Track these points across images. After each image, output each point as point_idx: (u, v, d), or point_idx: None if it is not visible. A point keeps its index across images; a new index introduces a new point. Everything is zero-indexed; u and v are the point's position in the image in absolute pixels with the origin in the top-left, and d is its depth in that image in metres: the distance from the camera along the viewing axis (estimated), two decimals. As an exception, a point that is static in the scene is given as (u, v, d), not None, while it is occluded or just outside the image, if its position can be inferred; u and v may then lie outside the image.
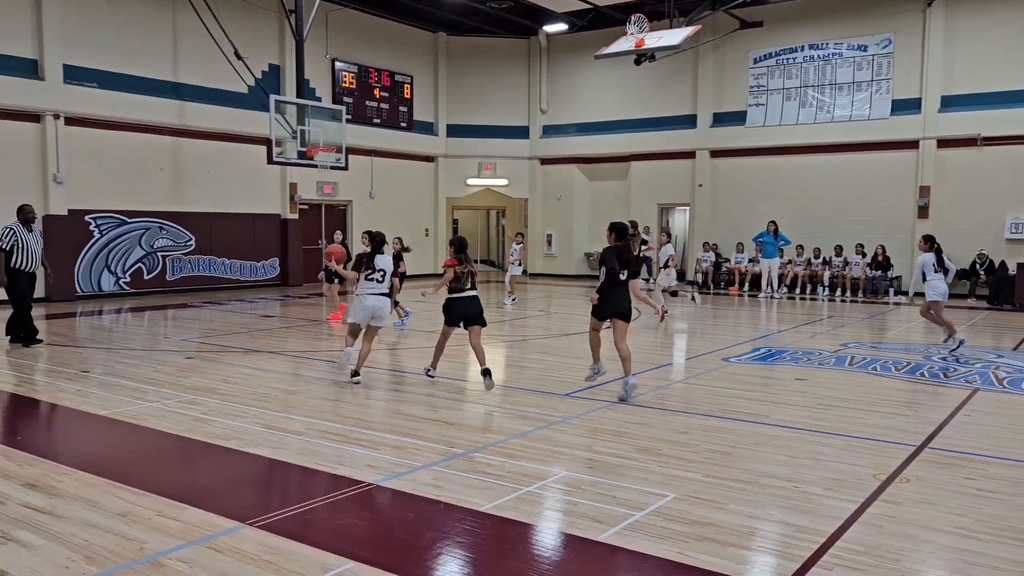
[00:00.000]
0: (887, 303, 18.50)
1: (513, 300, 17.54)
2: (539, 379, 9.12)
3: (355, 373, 8.67)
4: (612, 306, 8.03)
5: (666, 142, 23.70)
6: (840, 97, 21.01)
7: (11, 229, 10.83)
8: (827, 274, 20.16)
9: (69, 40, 16.92)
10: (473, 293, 8.61)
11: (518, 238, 18.62)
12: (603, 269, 8.07)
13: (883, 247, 19.80)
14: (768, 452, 6.07)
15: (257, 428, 6.69)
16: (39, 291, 15.76)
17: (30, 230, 11.01)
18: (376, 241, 8.88)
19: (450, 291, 8.54)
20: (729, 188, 22.89)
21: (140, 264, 18.53)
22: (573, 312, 15.91)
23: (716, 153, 23.04)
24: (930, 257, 10.97)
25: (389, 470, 5.52)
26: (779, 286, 19.88)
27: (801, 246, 20.77)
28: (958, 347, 10.70)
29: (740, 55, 22.44)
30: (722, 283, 21.78)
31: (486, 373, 8.18)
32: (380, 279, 8.69)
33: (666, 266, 15.58)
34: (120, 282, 18.17)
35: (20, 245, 10.84)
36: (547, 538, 4.48)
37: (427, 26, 25.13)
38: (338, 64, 22.74)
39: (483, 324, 8.58)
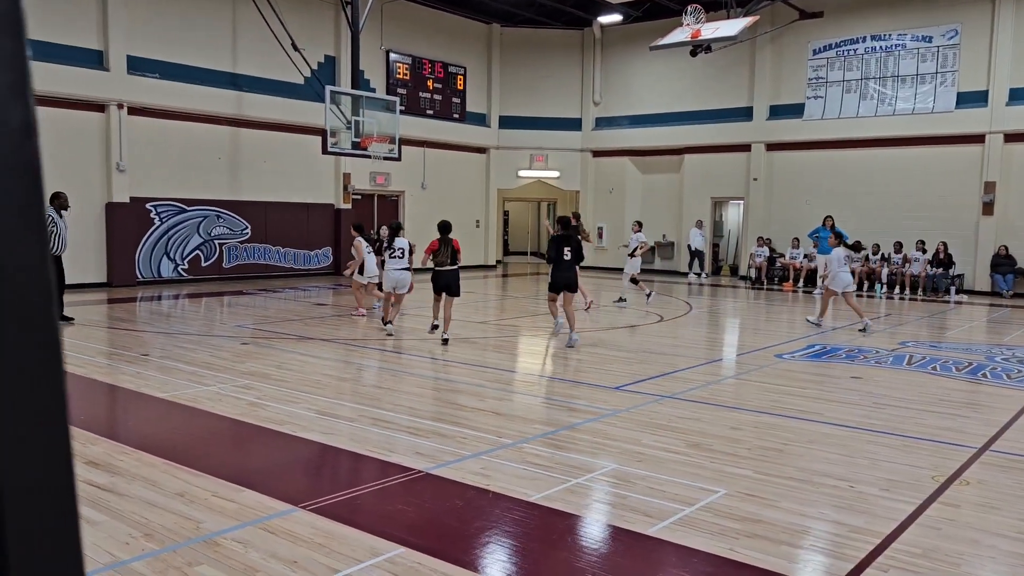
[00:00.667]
0: (947, 302, 17.99)
1: (648, 295, 16.19)
2: (588, 372, 9.09)
3: (387, 323, 11.38)
4: (560, 281, 10.61)
5: (721, 135, 23.35)
6: (903, 89, 20.44)
7: (50, 216, 11.26)
8: (885, 271, 19.67)
9: (133, 32, 17.36)
10: (453, 268, 10.63)
11: (635, 227, 16.58)
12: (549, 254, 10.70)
13: (945, 244, 19.22)
14: (822, 450, 5.96)
15: (309, 414, 6.80)
16: (99, 275, 16.21)
17: (61, 216, 11.54)
18: (392, 228, 11.88)
19: (435, 265, 10.67)
20: (785, 182, 22.47)
21: (198, 251, 18.96)
22: (624, 305, 15.80)
23: (772, 146, 22.62)
24: (841, 251, 12.49)
25: (438, 458, 5.57)
26: (835, 283, 19.43)
27: (859, 242, 20.22)
28: (864, 329, 12.34)
29: (799, 46, 21.97)
30: (776, 278, 21.41)
31: (445, 341, 10.59)
32: (400, 256, 11.25)
33: (632, 254, 15.86)
34: (179, 268, 18.62)
35: (57, 231, 11.34)
36: (595, 530, 4.46)
37: (481, 17, 25.15)
38: (392, 55, 22.91)
39: (456, 295, 10.75)
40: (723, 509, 4.65)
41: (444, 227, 10.84)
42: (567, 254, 10.54)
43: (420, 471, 5.27)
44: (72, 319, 12.08)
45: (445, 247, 10.65)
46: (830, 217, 19.16)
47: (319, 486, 5.18)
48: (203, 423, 6.57)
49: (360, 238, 13.01)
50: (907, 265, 19.48)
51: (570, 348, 10.45)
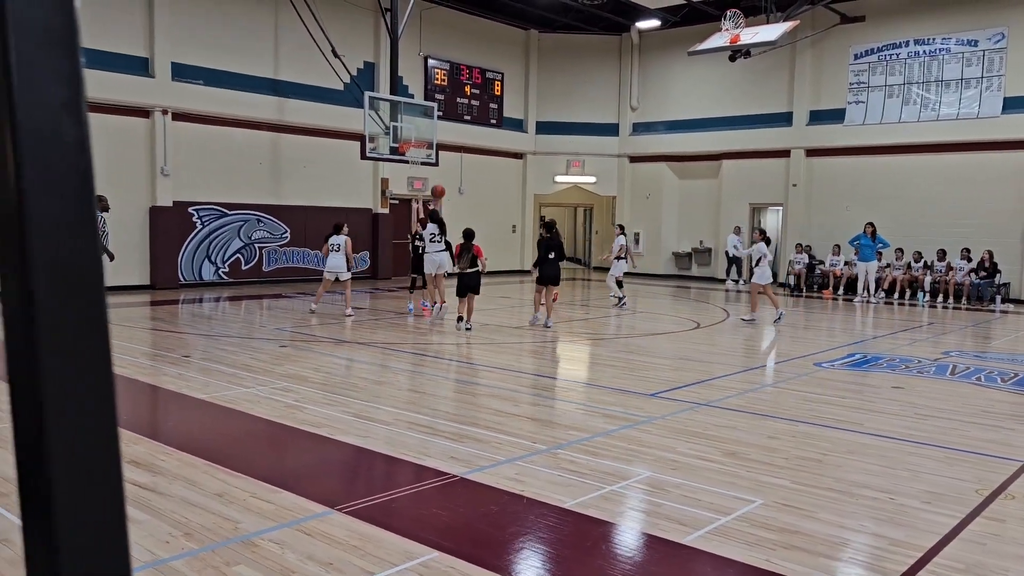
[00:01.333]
0: (993, 311, 17.58)
1: (620, 300, 16.34)
2: (623, 378, 9.05)
3: (441, 309, 13.44)
4: (544, 276, 12.64)
5: (759, 140, 23.12)
6: (947, 95, 20.05)
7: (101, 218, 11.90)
8: (928, 279, 19.29)
9: (178, 39, 17.72)
10: (474, 271, 12.29)
11: (618, 230, 17.53)
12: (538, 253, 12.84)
13: (990, 252, 18.80)
14: (862, 461, 5.86)
15: (346, 416, 6.87)
16: (143, 278, 16.55)
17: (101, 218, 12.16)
18: (429, 216, 13.46)
19: (459, 270, 12.40)
20: (825, 188, 22.16)
21: (238, 255, 19.26)
22: (659, 312, 15.72)
23: (812, 152, 22.34)
24: (763, 246, 13.73)
25: (473, 463, 5.58)
26: (876, 290, 19.17)
27: (901, 249, 19.90)
28: (752, 320, 13.85)
29: (840, 51, 21.68)
30: (815, 286, 21.12)
31: (468, 328, 12.17)
32: (438, 239, 12.90)
33: (618, 257, 16.38)
34: (220, 272, 18.93)
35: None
36: (630, 538, 4.44)
37: (518, 23, 25.22)
38: (431, 61, 23.07)
39: (477, 293, 12.46)
40: (759, 519, 4.60)
41: (468, 235, 12.47)
42: (551, 255, 12.73)
43: (455, 475, 5.30)
44: None
45: (466, 252, 12.29)
46: (871, 224, 18.87)
47: (355, 489, 5.22)
48: (242, 424, 6.67)
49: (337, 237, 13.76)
50: (951, 273, 19.09)
51: (547, 328, 12.67)
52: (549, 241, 12.80)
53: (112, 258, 12.57)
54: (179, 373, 8.70)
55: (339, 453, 5.94)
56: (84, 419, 0.53)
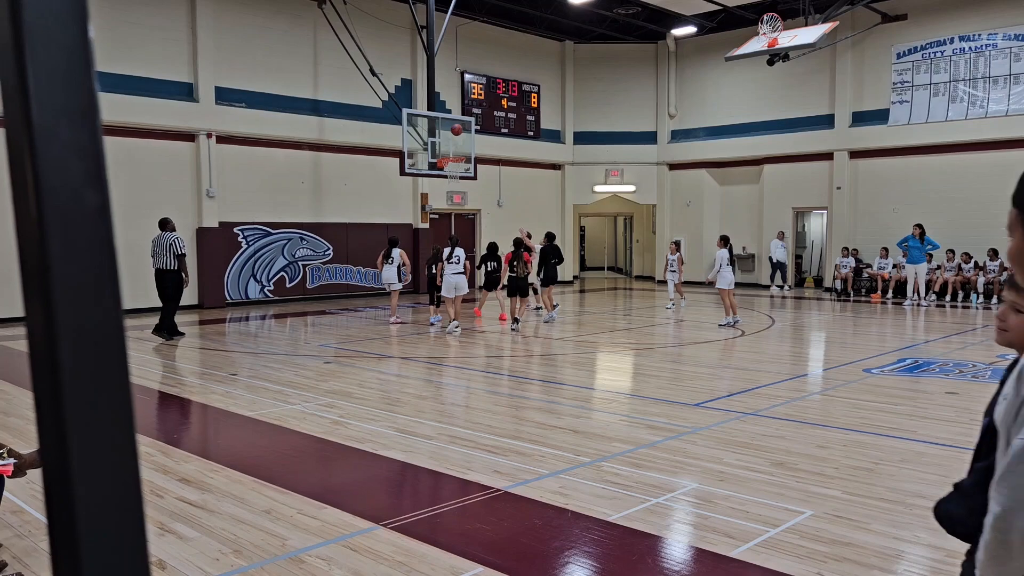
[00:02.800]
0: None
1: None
2: (667, 388, 8.96)
3: (456, 326, 13.66)
4: (547, 278, 15.08)
5: (801, 143, 22.79)
6: (995, 91, 19.56)
7: (180, 238, 12.98)
8: (981, 280, 18.79)
9: (220, 64, 18.12)
10: (524, 275, 14.10)
11: (672, 247, 18.45)
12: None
13: (1046, 251, 18.22)
14: (916, 470, 5.71)
15: (390, 432, 6.91)
16: (191, 298, 16.90)
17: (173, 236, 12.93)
18: (451, 240, 14.68)
19: (511, 272, 14.15)
20: (870, 190, 21.76)
21: (283, 273, 19.55)
22: (702, 320, 15.56)
23: (856, 154, 21.96)
24: (724, 253, 14.02)
25: (516, 476, 5.57)
26: (926, 293, 18.74)
27: (952, 250, 19.42)
28: (733, 324, 14.08)
29: (882, 50, 21.31)
30: (863, 290, 20.72)
31: (516, 320, 14.03)
32: (457, 262, 13.89)
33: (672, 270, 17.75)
34: (265, 290, 19.23)
35: (171, 250, 12.70)
36: (677, 551, 4.39)
37: (554, 35, 25.28)
38: (467, 76, 23.23)
39: (526, 295, 14.41)
40: (810, 531, 4.51)
41: (517, 243, 14.40)
42: (552, 260, 15.00)
43: (499, 489, 5.29)
44: (183, 333, 13.28)
45: (517, 259, 14.11)
46: (919, 225, 18.48)
47: (399, 504, 5.24)
48: (288, 441, 6.75)
49: None
50: (1004, 274, 18.56)
51: (547, 323, 14.83)
52: (548, 249, 15.12)
53: (187, 282, 13.07)
54: (227, 391, 8.84)
55: (383, 468, 5.97)
56: (109, 478, 0.55)
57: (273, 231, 19.27)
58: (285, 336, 13.94)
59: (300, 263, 19.86)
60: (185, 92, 17.67)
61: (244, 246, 18.78)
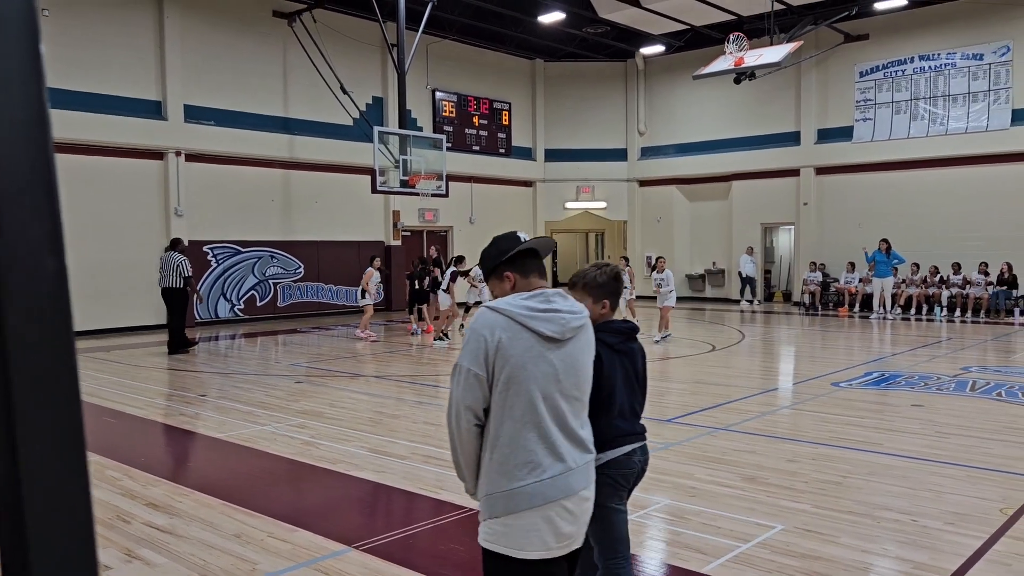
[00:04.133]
0: (1011, 323, 17.41)
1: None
2: (640, 404, 8.99)
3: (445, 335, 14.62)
4: None
5: (768, 160, 23.13)
6: (954, 109, 20.03)
7: (186, 260, 13.68)
8: (945, 294, 19.14)
9: (189, 81, 18.01)
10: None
11: (622, 262, 17.50)
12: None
13: (1009, 264, 18.65)
14: (883, 483, 5.79)
15: (362, 452, 6.86)
16: (159, 318, 16.91)
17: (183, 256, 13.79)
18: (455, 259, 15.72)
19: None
20: (836, 206, 22.12)
21: (253, 291, 19.39)
22: (674, 334, 15.65)
23: (821, 170, 22.33)
24: (670, 274, 14.58)
25: (490, 496, 5.55)
26: (892, 307, 19.05)
27: (916, 264, 19.78)
28: (662, 340, 14.36)
29: (845, 69, 21.74)
30: (831, 304, 21.01)
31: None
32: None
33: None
34: (235, 309, 19.04)
35: (178, 270, 13.56)
36: (650, 568, 4.40)
37: (524, 53, 25.47)
38: (438, 94, 23.30)
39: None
40: (780, 545, 4.55)
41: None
42: None
43: (473, 509, 5.27)
44: (196, 342, 14.19)
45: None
46: (886, 240, 18.80)
47: (372, 525, 5.21)
48: (258, 463, 6.68)
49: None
50: (968, 287, 18.94)
51: None
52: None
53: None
54: (196, 413, 8.73)
55: (356, 489, 5.93)
56: (64, 524, 0.56)
57: (243, 249, 19.11)
58: (255, 356, 13.81)
59: (271, 281, 19.71)
60: (153, 110, 17.53)
61: (214, 265, 18.60)
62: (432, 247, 18.63)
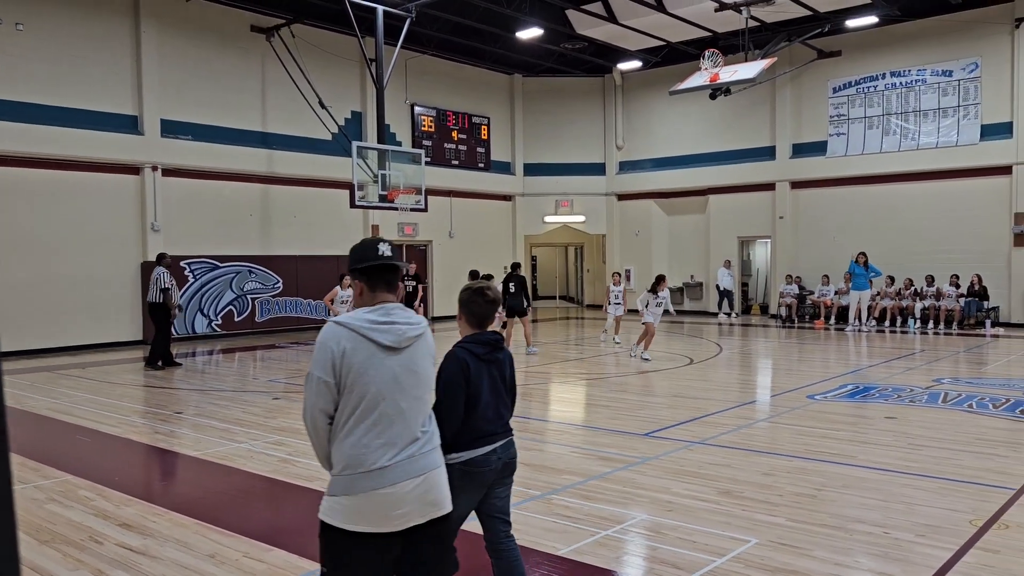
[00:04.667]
0: (983, 335, 17.66)
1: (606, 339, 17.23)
2: (617, 418, 9.04)
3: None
4: (510, 308, 14.91)
5: (744, 175, 23.39)
6: (925, 124, 20.38)
7: (165, 272, 13.57)
8: (919, 306, 19.40)
9: (166, 96, 17.93)
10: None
11: (616, 278, 17.36)
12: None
13: (979, 276, 18.96)
14: (857, 495, 5.86)
15: (339, 469, 6.82)
16: (135, 334, 16.63)
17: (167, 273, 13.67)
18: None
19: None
20: (811, 219, 22.38)
21: (231, 307, 19.26)
22: (653, 348, 15.73)
23: (797, 184, 22.60)
24: (649, 295, 14.12)
25: (467, 512, 5.55)
26: (867, 319, 19.27)
27: (891, 277, 20.06)
28: (633, 356, 14.23)
29: (819, 85, 22.06)
30: (807, 316, 21.22)
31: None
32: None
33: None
34: (212, 324, 18.91)
35: (162, 286, 13.46)
36: (625, 584, 4.42)
37: (503, 69, 25.60)
38: (417, 108, 23.36)
39: (525, 314, 15.09)
40: (755, 559, 4.59)
41: (515, 267, 15.74)
42: (512, 288, 15.18)
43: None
44: (180, 364, 13.88)
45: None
46: (863, 253, 19.04)
47: (349, 543, 5.19)
48: (234, 481, 6.63)
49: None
50: (940, 299, 19.21)
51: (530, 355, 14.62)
52: (510, 276, 15.55)
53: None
54: (171, 430, 8.66)
55: (333, 507, 5.90)
56: None
57: (221, 264, 19.00)
58: (233, 372, 13.72)
59: (249, 296, 19.59)
60: (130, 125, 17.43)
61: (191, 280, 18.47)
62: (411, 263, 18.62)
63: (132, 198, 17.49)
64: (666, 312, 14.51)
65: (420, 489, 2.83)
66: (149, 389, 11.71)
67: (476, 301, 3.61)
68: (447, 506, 2.96)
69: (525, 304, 15.42)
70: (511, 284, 15.37)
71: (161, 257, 13.96)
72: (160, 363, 13.57)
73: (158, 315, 13.56)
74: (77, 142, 16.32)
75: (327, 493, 2.85)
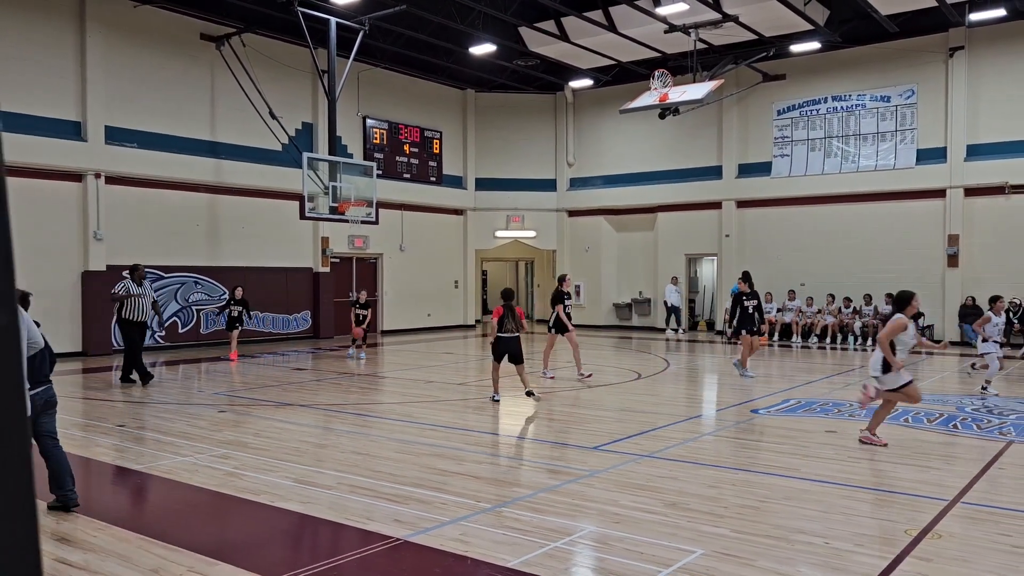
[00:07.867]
0: (919, 352, 18.23)
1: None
2: (567, 432, 9.12)
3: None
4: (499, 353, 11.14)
5: (692, 193, 23.84)
6: (865, 147, 21.07)
7: (124, 284, 13.11)
8: (858, 323, 19.97)
9: (111, 103, 17.57)
10: (515, 335, 10.92)
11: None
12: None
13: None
14: (798, 507, 6.02)
15: (288, 482, 6.77)
16: (75, 345, 16.15)
17: (140, 285, 13.11)
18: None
19: (498, 331, 10.89)
20: (756, 238, 22.90)
21: (175, 318, 18.88)
22: (602, 363, 15.89)
23: (742, 203, 23.11)
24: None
25: (417, 525, 5.56)
26: (808, 336, 19.72)
27: (832, 295, 20.64)
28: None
29: (764, 107, 22.65)
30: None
31: (530, 393, 10.99)
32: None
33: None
34: (156, 336, 18.49)
35: (130, 298, 12.93)
36: (574, 595, 4.47)
37: (455, 83, 25.70)
38: (369, 121, 23.30)
39: (520, 362, 11.00)
40: (700, 570, 4.69)
41: (507, 295, 11.22)
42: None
43: (399, 539, 5.27)
44: (152, 376, 13.28)
45: (509, 314, 10.91)
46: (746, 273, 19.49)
47: (296, 558, 5.15)
48: (179, 495, 6.52)
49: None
50: (878, 317, 19.78)
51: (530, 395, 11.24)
52: (509, 309, 11.24)
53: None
54: (113, 444, 8.46)
55: (280, 521, 5.85)
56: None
57: (165, 275, 18.63)
58: (177, 384, 13.44)
59: (194, 308, 19.24)
60: (72, 131, 17.04)
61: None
62: (361, 290, 18.33)
63: (74, 206, 17.07)
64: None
65: None
66: (89, 402, 11.42)
67: None
68: None
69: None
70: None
71: (133, 269, 13.49)
72: (135, 376, 13.09)
73: (125, 329, 13.11)
74: (16, 147, 15.86)
75: None
